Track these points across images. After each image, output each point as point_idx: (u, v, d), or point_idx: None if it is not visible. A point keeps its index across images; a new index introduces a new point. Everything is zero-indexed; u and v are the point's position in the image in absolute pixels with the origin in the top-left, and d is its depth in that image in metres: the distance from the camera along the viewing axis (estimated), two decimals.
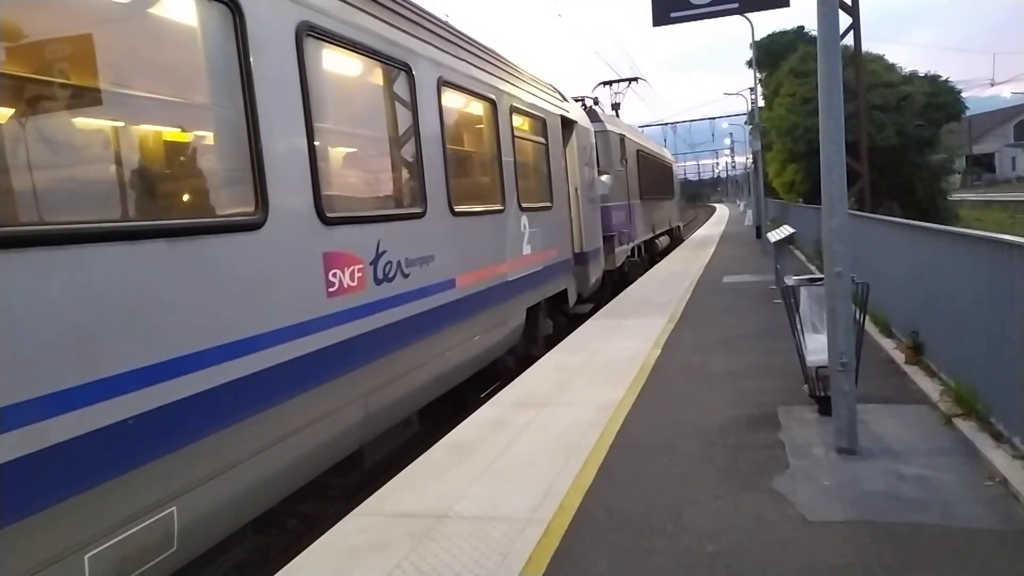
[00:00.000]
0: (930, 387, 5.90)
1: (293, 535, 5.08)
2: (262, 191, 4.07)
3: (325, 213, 4.62)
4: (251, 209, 4.04)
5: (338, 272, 4.73)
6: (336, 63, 5.18)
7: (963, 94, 24.87)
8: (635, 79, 23.80)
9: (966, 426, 4.91)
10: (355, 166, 5.76)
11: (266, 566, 4.49)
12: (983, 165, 77.12)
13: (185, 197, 3.91)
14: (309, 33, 4.58)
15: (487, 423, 6.00)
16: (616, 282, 14.84)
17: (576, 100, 14.37)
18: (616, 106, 22.94)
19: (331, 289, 4.65)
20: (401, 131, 6.01)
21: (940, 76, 24.54)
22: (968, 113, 27.73)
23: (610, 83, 23.45)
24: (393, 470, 5.22)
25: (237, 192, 4.10)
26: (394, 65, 5.80)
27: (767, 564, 3.46)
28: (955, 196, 32.25)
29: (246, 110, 3.98)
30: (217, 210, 4.03)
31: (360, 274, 5.00)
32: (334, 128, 5.13)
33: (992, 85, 68.65)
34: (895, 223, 8.21)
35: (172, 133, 3.86)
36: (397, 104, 5.97)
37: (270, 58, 4.18)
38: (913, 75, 24.72)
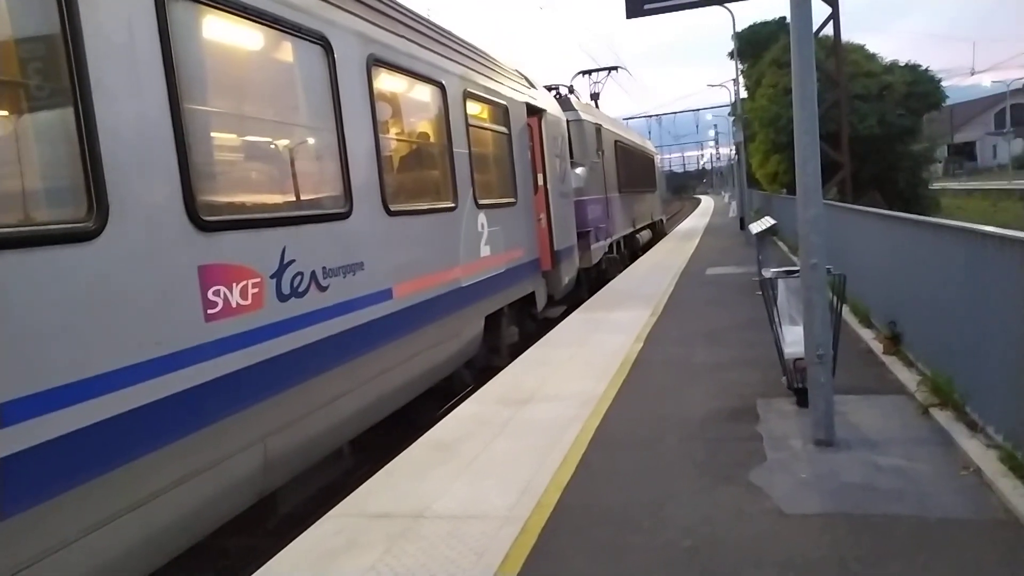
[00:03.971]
0: (907, 377, 5.92)
1: (276, 535, 5.03)
2: (97, 187, 3.20)
3: (200, 215, 3.78)
4: (80, 212, 3.17)
5: (222, 289, 3.90)
6: (219, 30, 4.30)
7: (944, 83, 25.10)
8: (615, 68, 23.70)
9: (942, 416, 4.93)
10: (250, 156, 4.76)
11: (243, 568, 4.45)
12: (965, 154, 77.84)
13: None
14: None
15: (468, 419, 5.97)
16: (593, 280, 14.41)
17: (549, 88, 13.97)
18: (595, 96, 22.83)
19: (211, 311, 3.82)
20: (316, 116, 5.18)
21: (920, 65, 24.72)
22: (949, 102, 27.96)
23: (589, 72, 23.26)
24: (372, 469, 5.18)
25: (54, 190, 3.26)
26: (303, 37, 4.93)
27: (743, 558, 3.45)
28: (937, 185, 32.56)
29: (72, 78, 3.15)
30: (17, 215, 3.11)
31: (256, 290, 4.17)
32: (217, 110, 4.30)
33: (972, 74, 69.41)
34: (874, 213, 8.24)
35: None
36: (310, 84, 5.12)
37: (112, 17, 3.39)
38: (894, 64, 24.88)
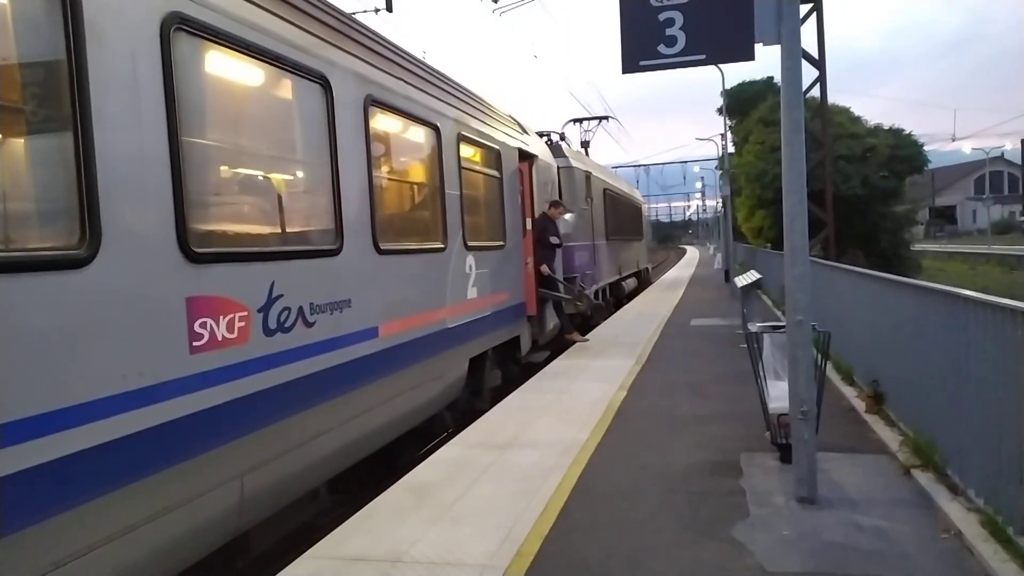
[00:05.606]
0: (890, 437, 5.94)
1: None
2: (91, 214, 3.19)
3: (192, 247, 3.77)
4: (72, 239, 3.16)
5: (208, 322, 3.87)
6: (221, 66, 4.33)
7: (926, 148, 25.74)
8: (605, 117, 24.06)
9: (924, 477, 4.94)
10: (244, 190, 4.76)
11: None
12: (945, 217, 79.46)
13: None
14: (180, 27, 3.81)
15: (449, 463, 5.91)
16: (578, 326, 14.57)
17: (541, 135, 14.19)
18: (586, 144, 23.13)
19: (196, 343, 3.77)
20: (312, 153, 5.23)
21: (904, 129, 25.36)
22: (931, 166, 28.63)
23: (580, 120, 23.62)
24: (349, 511, 5.10)
25: (48, 215, 3.27)
26: (304, 76, 5.00)
27: None
28: (918, 246, 33.11)
29: (73, 106, 3.17)
30: (10, 239, 3.10)
31: (243, 324, 4.14)
32: (215, 143, 4.34)
33: (953, 140, 71.34)
34: (858, 273, 8.35)
35: None
36: (308, 122, 5.18)
37: (117, 50, 3.41)
38: (878, 128, 25.52)
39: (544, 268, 11.04)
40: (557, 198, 12.77)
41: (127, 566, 3.39)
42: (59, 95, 3.19)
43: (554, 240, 11.38)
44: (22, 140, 3.27)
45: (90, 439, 3.14)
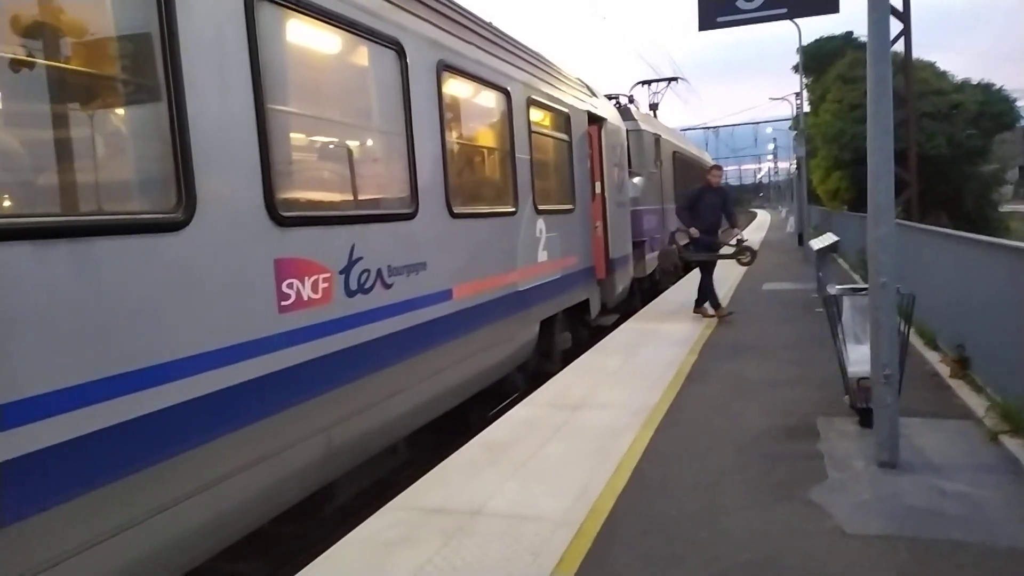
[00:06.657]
0: (975, 402, 5.76)
1: (328, 526, 5.15)
2: (187, 181, 3.35)
3: (279, 211, 3.92)
4: (170, 203, 3.33)
5: (295, 283, 4.04)
6: (302, 34, 4.45)
7: (1018, 103, 24.28)
8: (675, 79, 23.50)
9: (1012, 443, 4.78)
10: (325, 156, 4.93)
11: (298, 555, 4.56)
12: None
13: (65, 187, 3.08)
14: None
15: (521, 423, 6.02)
16: (646, 290, 14.36)
17: (609, 98, 13.99)
18: (654, 106, 22.67)
19: (284, 303, 3.95)
20: (388, 119, 5.32)
21: (993, 84, 24.00)
22: (1023, 123, 27.04)
23: (648, 83, 23.13)
24: (424, 467, 5.26)
25: (148, 182, 3.43)
26: (379, 42, 5.06)
27: (802, 575, 3.41)
28: (1007, 208, 31.46)
29: (167, 77, 3.30)
30: (114, 204, 3.30)
31: (326, 285, 4.31)
32: (297, 111, 4.46)
33: None
34: (942, 233, 8.03)
35: (55, 106, 3.08)
36: (384, 88, 5.25)
37: (206, 21, 3.54)
38: (965, 83, 24.21)
39: (693, 231, 10.74)
40: (626, 161, 12.61)
41: (231, 508, 3.63)
42: (153, 66, 3.34)
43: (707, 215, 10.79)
44: (125, 111, 3.46)
45: (188, 392, 3.33)
